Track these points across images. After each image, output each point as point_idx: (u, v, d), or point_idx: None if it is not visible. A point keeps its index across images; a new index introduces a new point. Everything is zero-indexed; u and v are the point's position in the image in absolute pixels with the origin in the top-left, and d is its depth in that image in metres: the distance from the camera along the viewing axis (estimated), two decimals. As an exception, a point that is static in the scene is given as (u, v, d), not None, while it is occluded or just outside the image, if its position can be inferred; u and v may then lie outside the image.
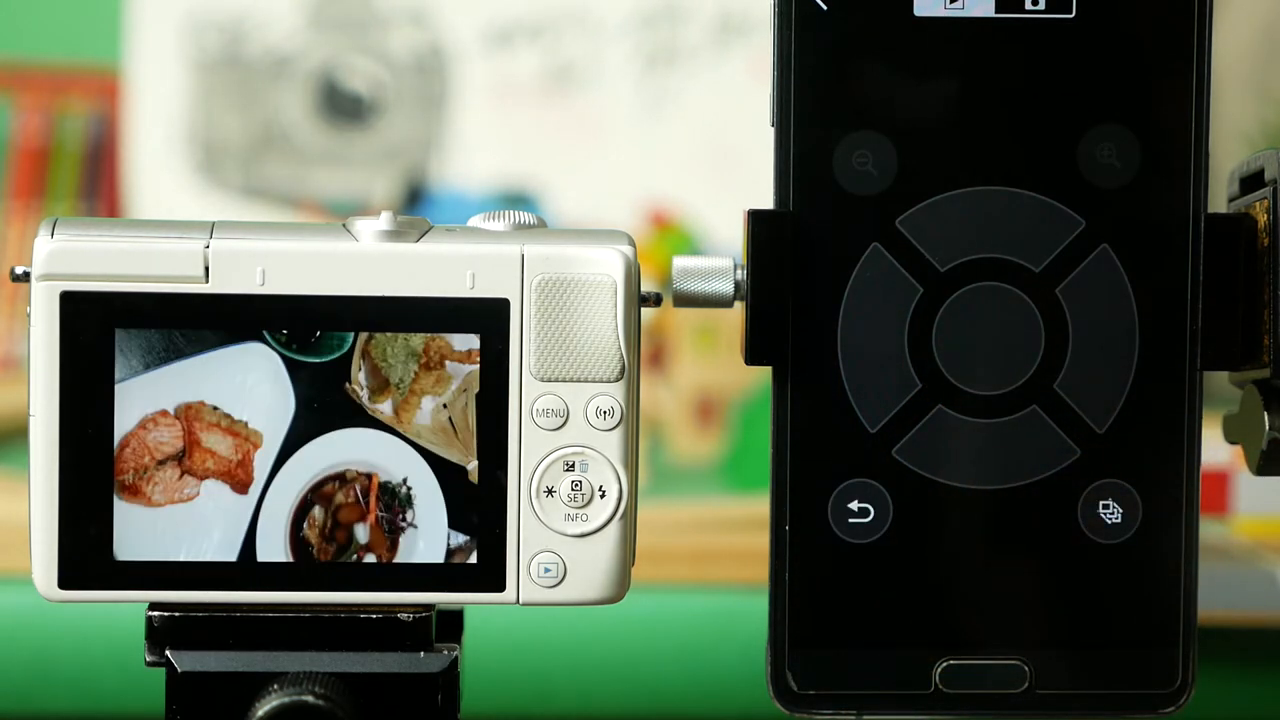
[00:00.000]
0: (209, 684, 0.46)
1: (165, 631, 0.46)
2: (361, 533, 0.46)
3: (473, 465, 0.46)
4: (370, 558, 0.46)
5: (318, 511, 0.46)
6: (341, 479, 0.46)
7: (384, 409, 0.46)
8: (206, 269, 0.46)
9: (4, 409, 0.96)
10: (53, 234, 0.46)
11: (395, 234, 0.46)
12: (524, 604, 0.47)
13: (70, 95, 1.28)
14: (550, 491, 0.47)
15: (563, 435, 0.47)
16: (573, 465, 0.47)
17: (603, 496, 0.47)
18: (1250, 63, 1.21)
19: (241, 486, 0.46)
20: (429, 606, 0.47)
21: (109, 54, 1.28)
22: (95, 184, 1.28)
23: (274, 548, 0.46)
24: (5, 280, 0.99)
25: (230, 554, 0.46)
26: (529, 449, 0.46)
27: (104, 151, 1.28)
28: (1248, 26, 1.21)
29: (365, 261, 0.46)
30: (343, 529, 0.46)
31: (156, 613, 0.46)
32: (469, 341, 0.46)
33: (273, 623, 0.46)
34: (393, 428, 0.46)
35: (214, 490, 0.46)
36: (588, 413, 0.46)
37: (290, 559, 0.46)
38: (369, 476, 0.46)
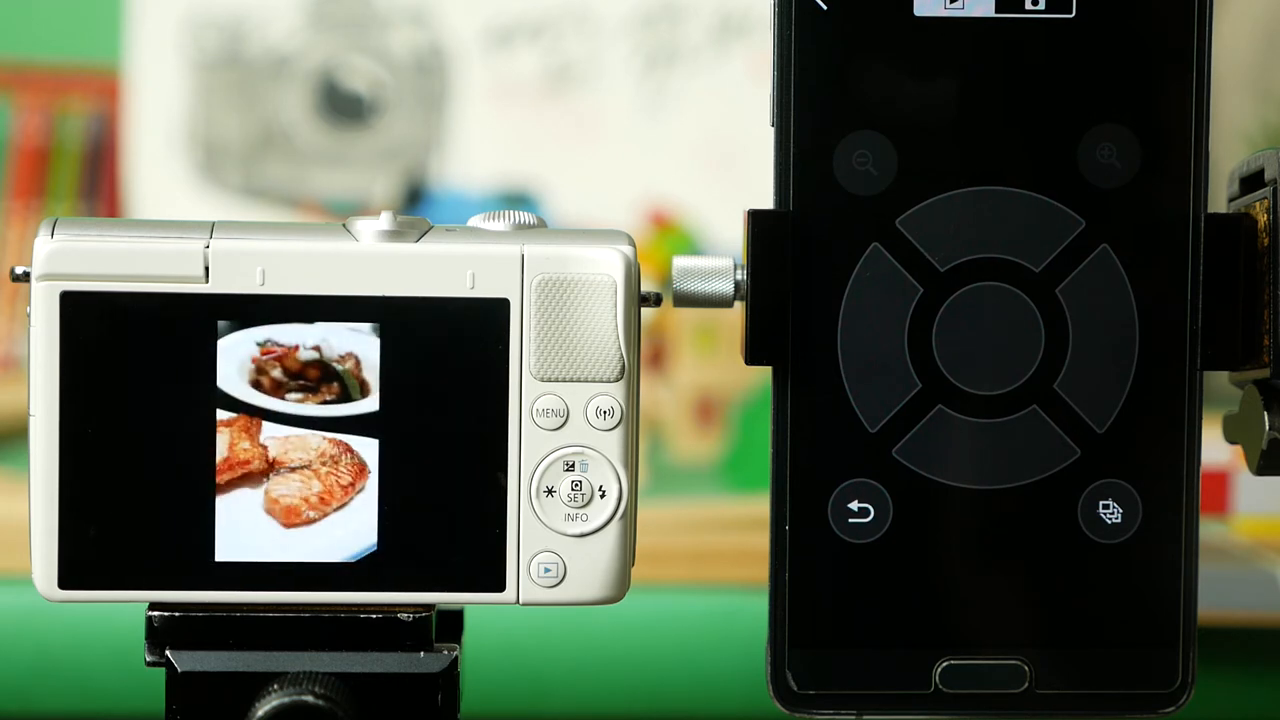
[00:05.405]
0: (209, 684, 0.46)
1: (165, 631, 0.46)
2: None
3: None
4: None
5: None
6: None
7: None
8: (206, 269, 0.46)
9: (4, 409, 0.96)
10: (52, 234, 0.46)
11: (395, 234, 0.46)
12: (524, 604, 0.47)
13: (70, 95, 1.28)
14: (550, 491, 0.47)
15: (563, 435, 0.47)
16: (573, 465, 0.47)
17: (603, 496, 0.47)
18: (1250, 63, 1.21)
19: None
20: (429, 606, 0.47)
21: (109, 54, 1.27)
22: (95, 184, 1.28)
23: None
24: (5, 280, 0.99)
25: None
26: (529, 449, 0.46)
27: (104, 151, 1.28)
28: (1248, 26, 1.21)
29: (365, 261, 0.46)
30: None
31: (156, 613, 0.46)
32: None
33: (272, 623, 0.46)
34: None
35: None
36: (588, 413, 0.46)
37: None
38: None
